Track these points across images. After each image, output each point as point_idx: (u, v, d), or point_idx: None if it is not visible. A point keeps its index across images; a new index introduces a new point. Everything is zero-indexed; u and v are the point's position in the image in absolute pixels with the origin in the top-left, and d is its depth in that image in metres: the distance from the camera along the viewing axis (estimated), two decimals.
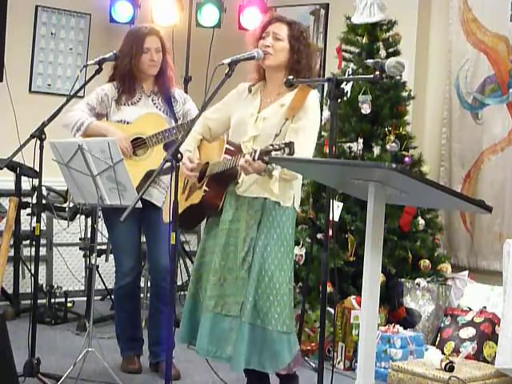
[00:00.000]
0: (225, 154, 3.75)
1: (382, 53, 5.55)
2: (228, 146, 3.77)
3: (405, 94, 5.55)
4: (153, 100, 4.50)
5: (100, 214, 4.52)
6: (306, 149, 3.63)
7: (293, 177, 3.65)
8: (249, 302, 3.65)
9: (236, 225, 3.74)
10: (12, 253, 5.79)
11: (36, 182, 5.12)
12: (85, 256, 5.95)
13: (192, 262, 6.72)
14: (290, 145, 3.38)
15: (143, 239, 4.65)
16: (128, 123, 4.42)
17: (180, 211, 3.53)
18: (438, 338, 5.08)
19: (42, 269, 6.30)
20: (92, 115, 4.43)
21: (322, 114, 3.99)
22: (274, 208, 3.71)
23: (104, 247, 6.00)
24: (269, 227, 3.70)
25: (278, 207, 3.71)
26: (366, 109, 5.30)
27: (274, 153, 3.38)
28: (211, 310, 3.71)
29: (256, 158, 3.44)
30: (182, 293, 6.49)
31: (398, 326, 4.86)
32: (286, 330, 3.68)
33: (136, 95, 4.48)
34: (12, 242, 5.65)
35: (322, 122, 5.87)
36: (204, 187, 3.80)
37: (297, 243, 5.13)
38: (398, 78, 5.44)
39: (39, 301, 4.42)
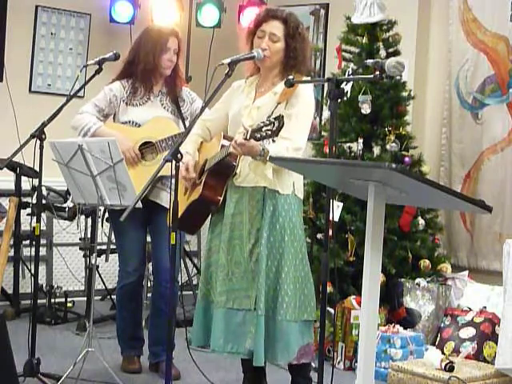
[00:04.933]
0: (221, 148, 3.77)
1: (382, 53, 5.55)
2: (224, 142, 3.78)
3: (405, 94, 5.55)
4: (161, 100, 4.49)
5: (100, 214, 4.52)
6: (299, 135, 3.65)
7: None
8: (262, 294, 3.65)
9: (239, 217, 3.75)
10: (12, 253, 5.78)
11: (36, 181, 5.11)
12: (85, 256, 5.95)
13: (192, 262, 6.72)
14: (279, 118, 3.43)
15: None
16: (136, 124, 4.42)
17: (181, 212, 3.55)
18: (438, 338, 5.08)
19: (42, 269, 6.29)
20: (100, 116, 4.44)
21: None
22: (275, 196, 3.71)
23: (104, 247, 6.00)
24: (271, 216, 3.70)
25: (278, 195, 3.71)
26: (365, 109, 5.30)
27: (264, 128, 3.43)
28: (223, 305, 3.72)
29: (248, 137, 3.48)
30: (183, 293, 6.50)
31: (397, 326, 4.86)
32: (295, 318, 3.68)
33: (145, 95, 4.48)
34: (12, 242, 5.65)
35: (322, 122, 5.90)
36: (203, 182, 3.79)
37: None
38: (398, 77, 5.44)
39: (39, 301, 4.41)
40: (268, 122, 3.44)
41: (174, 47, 4.43)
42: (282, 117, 3.44)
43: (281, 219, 3.71)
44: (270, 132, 3.45)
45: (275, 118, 3.44)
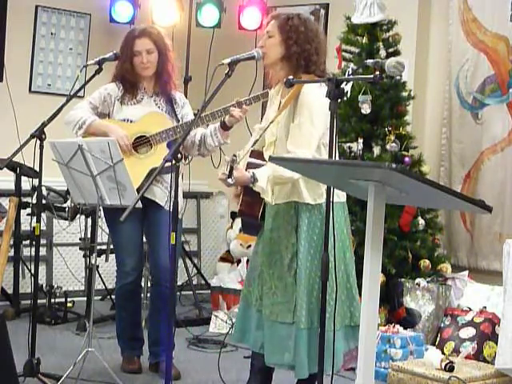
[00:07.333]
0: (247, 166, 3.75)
1: (382, 53, 5.55)
2: (250, 159, 3.77)
3: (405, 94, 5.55)
4: (155, 100, 4.50)
5: (101, 213, 4.51)
6: (302, 148, 3.60)
7: (287, 180, 3.61)
8: (303, 308, 3.66)
9: (276, 233, 3.76)
10: (12, 253, 5.78)
11: (36, 181, 5.11)
12: (85, 256, 5.95)
13: (192, 262, 6.72)
14: (234, 158, 3.50)
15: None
16: (132, 122, 4.42)
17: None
18: (438, 338, 5.08)
19: (42, 269, 6.29)
20: (94, 114, 4.43)
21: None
22: (307, 209, 3.70)
23: (104, 247, 5.99)
24: (306, 230, 3.69)
25: (311, 207, 3.69)
26: (365, 109, 5.30)
27: (229, 166, 3.50)
28: (267, 318, 3.75)
29: (226, 172, 3.52)
30: (183, 293, 6.50)
31: (397, 326, 4.86)
32: (339, 326, 3.66)
33: (138, 95, 4.48)
34: (12, 242, 5.65)
35: None
36: (240, 196, 3.81)
37: None
38: (398, 77, 5.44)
39: (39, 301, 4.41)
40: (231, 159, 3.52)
41: (145, 48, 4.40)
42: (235, 155, 3.50)
43: (317, 230, 3.69)
44: (228, 172, 3.52)
45: (233, 156, 3.50)
